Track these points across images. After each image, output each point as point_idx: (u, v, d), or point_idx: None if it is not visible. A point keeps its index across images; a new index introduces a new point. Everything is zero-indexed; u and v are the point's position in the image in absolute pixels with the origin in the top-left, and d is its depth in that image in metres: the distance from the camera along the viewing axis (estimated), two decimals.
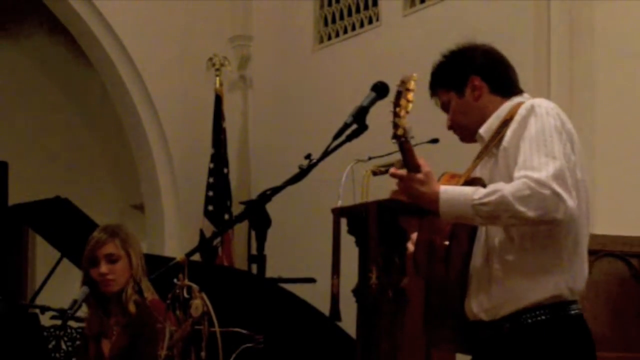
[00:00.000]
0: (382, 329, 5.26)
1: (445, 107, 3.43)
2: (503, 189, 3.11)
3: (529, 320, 3.22)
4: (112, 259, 4.30)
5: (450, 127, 3.46)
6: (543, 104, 3.26)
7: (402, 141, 3.13)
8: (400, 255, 5.14)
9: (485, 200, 3.11)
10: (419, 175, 3.16)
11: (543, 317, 3.21)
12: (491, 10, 6.71)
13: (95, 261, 4.31)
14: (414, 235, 3.42)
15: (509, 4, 6.62)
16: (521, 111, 3.25)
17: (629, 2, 6.14)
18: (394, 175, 3.21)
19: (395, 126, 3.13)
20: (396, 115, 3.12)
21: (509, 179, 3.17)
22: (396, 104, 3.12)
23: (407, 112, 3.12)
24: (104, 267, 4.29)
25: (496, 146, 3.29)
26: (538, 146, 3.15)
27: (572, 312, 3.24)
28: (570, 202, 3.10)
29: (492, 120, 3.35)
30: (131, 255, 4.33)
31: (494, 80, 3.39)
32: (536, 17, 6.38)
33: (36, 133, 10.48)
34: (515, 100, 3.37)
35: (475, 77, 3.38)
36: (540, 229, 3.18)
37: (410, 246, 3.41)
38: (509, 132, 3.25)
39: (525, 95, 3.39)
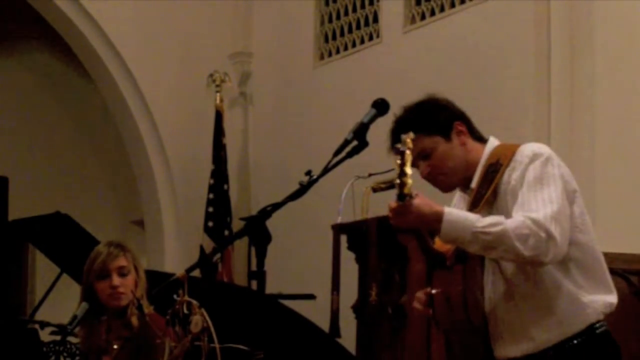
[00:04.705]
0: (381, 345, 5.25)
1: (424, 154, 3.41)
2: (505, 223, 3.19)
3: (571, 343, 3.31)
4: (123, 272, 4.32)
5: (429, 174, 3.45)
6: (543, 151, 3.33)
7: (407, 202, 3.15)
8: (400, 272, 5.13)
9: (487, 230, 3.18)
10: (418, 200, 3.18)
11: (578, 340, 3.31)
12: (491, 28, 6.72)
13: (105, 274, 4.31)
14: (419, 294, 3.42)
15: (509, 22, 6.62)
16: (521, 158, 3.32)
17: (630, 2, 6.12)
18: (394, 209, 3.20)
19: (402, 191, 3.13)
20: (403, 184, 3.10)
21: (508, 216, 3.25)
22: (402, 171, 3.08)
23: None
24: (116, 280, 4.30)
25: (493, 193, 3.33)
26: (536, 191, 3.24)
27: (599, 330, 3.34)
28: (560, 245, 3.19)
29: (479, 169, 3.40)
30: (138, 270, 4.36)
31: (469, 126, 3.48)
32: (536, 32, 6.37)
33: (37, 149, 10.48)
34: (493, 143, 3.45)
35: (458, 122, 3.45)
36: (569, 265, 3.29)
37: (417, 304, 3.42)
38: (513, 178, 3.30)
39: (493, 139, 3.47)
